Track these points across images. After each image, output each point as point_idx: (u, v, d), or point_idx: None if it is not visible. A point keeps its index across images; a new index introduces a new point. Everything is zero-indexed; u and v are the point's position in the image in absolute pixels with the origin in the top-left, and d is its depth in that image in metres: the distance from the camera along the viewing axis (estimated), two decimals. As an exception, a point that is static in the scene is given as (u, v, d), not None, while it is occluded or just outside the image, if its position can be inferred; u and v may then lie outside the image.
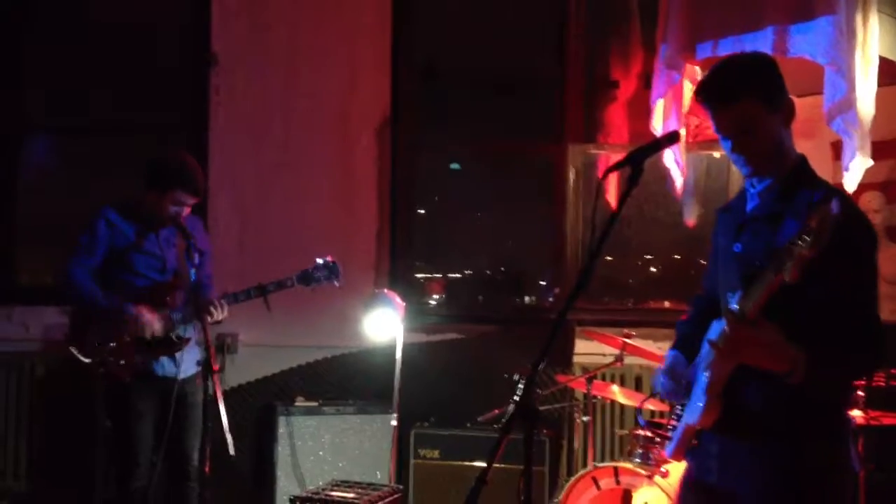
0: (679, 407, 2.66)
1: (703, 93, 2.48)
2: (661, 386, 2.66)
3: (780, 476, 2.37)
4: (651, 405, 4.50)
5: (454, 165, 6.20)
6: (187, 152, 4.48)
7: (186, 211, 4.28)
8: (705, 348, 2.49)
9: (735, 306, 2.27)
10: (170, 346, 4.24)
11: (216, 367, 3.85)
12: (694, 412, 2.47)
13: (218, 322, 4.20)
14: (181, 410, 4.20)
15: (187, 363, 4.27)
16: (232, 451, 3.79)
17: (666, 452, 2.67)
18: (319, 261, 4.41)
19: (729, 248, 2.53)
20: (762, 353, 2.25)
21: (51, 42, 6.19)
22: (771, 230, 2.40)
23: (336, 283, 4.43)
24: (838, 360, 2.28)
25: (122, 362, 4.16)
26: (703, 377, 2.43)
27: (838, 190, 2.45)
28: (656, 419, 4.71)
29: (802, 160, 2.51)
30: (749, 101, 2.40)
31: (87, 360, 4.17)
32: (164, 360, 4.27)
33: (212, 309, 4.12)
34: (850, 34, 4.04)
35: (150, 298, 4.24)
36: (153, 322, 4.18)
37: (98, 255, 4.25)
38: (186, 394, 4.23)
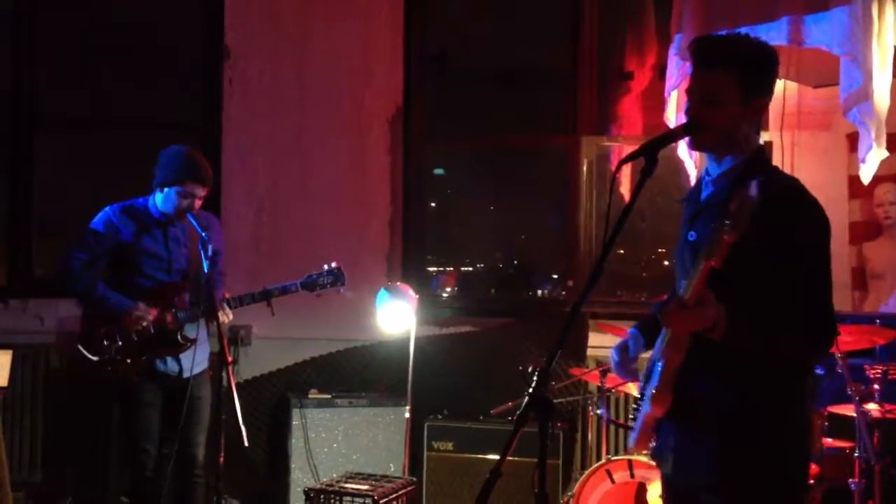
0: (642, 395, 2.66)
1: (693, 47, 2.49)
2: (612, 361, 2.71)
3: (736, 470, 2.36)
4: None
5: (438, 171, 6.16)
6: (197, 146, 4.50)
7: (198, 204, 4.28)
8: (660, 338, 2.51)
9: (680, 292, 2.30)
10: (175, 346, 4.27)
11: (230, 358, 3.87)
12: (648, 400, 2.48)
13: (223, 323, 4.20)
14: (187, 406, 4.21)
15: (193, 361, 4.28)
16: (246, 443, 3.81)
17: (629, 442, 2.68)
18: (325, 267, 4.44)
19: (685, 237, 2.55)
20: (692, 325, 2.28)
21: (65, 38, 6.20)
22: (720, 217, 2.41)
23: (340, 290, 4.46)
24: (763, 329, 2.29)
25: (129, 361, 4.19)
26: (658, 366, 2.44)
27: (784, 179, 2.46)
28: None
29: (760, 150, 2.51)
30: (727, 77, 2.39)
31: (94, 359, 4.21)
32: (168, 358, 4.30)
33: (217, 312, 4.13)
34: (866, 24, 4.01)
35: (156, 299, 4.27)
36: (147, 314, 4.20)
37: (99, 252, 4.27)
38: (192, 390, 4.23)
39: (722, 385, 2.37)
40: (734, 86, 2.40)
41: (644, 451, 2.58)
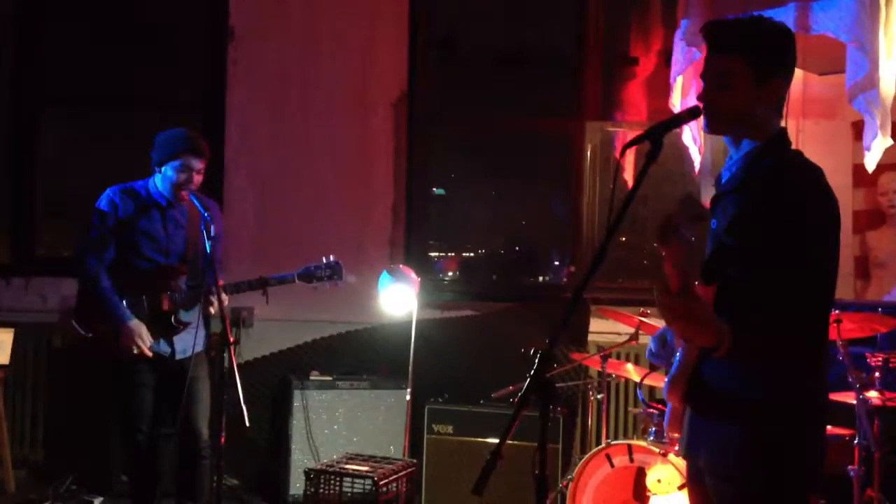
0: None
1: (707, 34, 2.46)
2: (648, 350, 2.66)
3: (732, 452, 2.35)
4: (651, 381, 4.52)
5: (439, 191, 6.12)
6: (200, 126, 4.50)
7: (197, 179, 4.27)
8: None
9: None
10: (168, 329, 4.27)
11: (232, 339, 3.87)
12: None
13: (217, 309, 4.16)
14: (183, 387, 4.21)
15: (186, 343, 4.28)
16: (247, 424, 3.81)
17: (665, 427, 2.67)
18: (324, 259, 4.42)
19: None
20: (690, 325, 2.22)
21: (69, 18, 6.18)
22: (734, 203, 2.39)
23: (338, 284, 4.44)
24: (762, 328, 2.24)
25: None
26: (677, 355, 2.44)
27: (796, 162, 2.41)
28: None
29: (779, 134, 2.47)
30: (738, 60, 2.37)
31: (87, 335, 4.21)
32: (161, 339, 4.30)
33: (211, 298, 4.13)
34: (874, 12, 4.00)
35: (153, 281, 4.26)
36: (142, 344, 4.19)
37: (105, 232, 4.26)
38: (186, 370, 4.22)
39: (743, 374, 2.34)
40: (746, 68, 2.37)
41: (677, 435, 2.56)
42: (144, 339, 4.20)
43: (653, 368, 4.23)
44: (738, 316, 2.22)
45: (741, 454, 2.35)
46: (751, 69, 2.38)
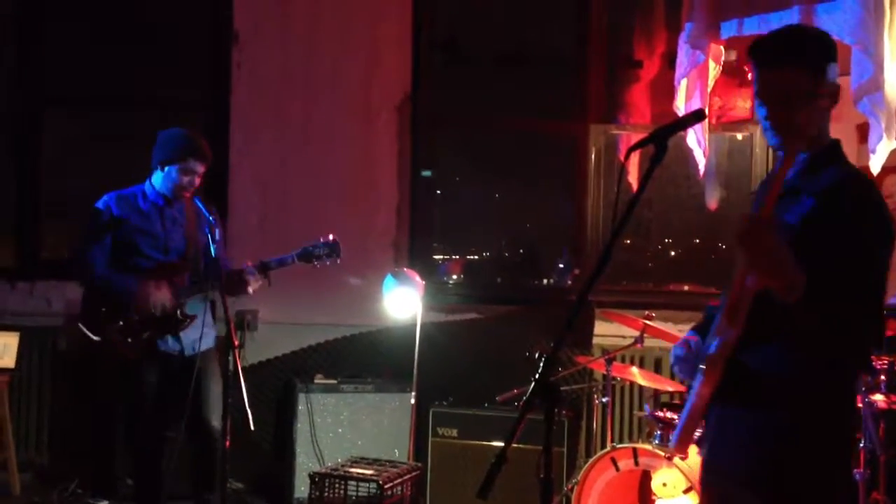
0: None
1: (755, 52, 2.45)
2: (673, 357, 2.59)
3: (758, 446, 2.32)
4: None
5: (425, 173, 6.07)
6: (204, 128, 4.52)
7: (197, 182, 4.31)
8: (716, 320, 2.43)
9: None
10: (175, 324, 4.28)
11: (236, 342, 3.87)
12: (696, 384, 2.38)
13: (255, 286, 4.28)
14: (191, 383, 4.21)
15: (194, 339, 4.30)
16: (252, 427, 3.81)
17: (671, 443, 2.59)
18: (321, 239, 4.45)
19: None
20: (771, 254, 2.16)
21: (72, 18, 6.19)
22: (788, 204, 2.37)
23: (338, 261, 4.46)
24: (827, 320, 2.21)
25: (130, 340, 4.20)
26: (713, 344, 2.35)
27: (856, 175, 2.40)
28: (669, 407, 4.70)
29: (836, 143, 2.47)
30: (795, 72, 2.37)
31: (95, 338, 4.23)
32: (169, 336, 4.31)
33: (249, 278, 4.23)
34: (878, 14, 3.99)
35: (156, 279, 4.28)
36: (162, 298, 4.22)
37: (106, 240, 4.30)
38: (194, 367, 4.24)
39: (790, 360, 2.31)
40: (809, 79, 2.37)
41: (681, 456, 2.48)
42: (160, 296, 4.22)
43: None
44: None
45: (770, 453, 2.31)
46: (812, 79, 2.37)
